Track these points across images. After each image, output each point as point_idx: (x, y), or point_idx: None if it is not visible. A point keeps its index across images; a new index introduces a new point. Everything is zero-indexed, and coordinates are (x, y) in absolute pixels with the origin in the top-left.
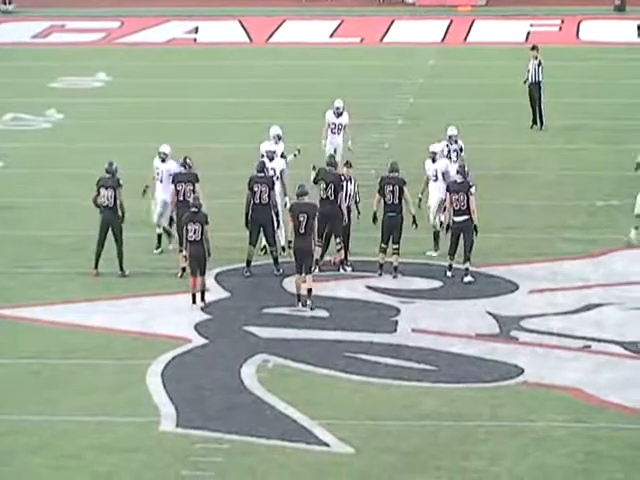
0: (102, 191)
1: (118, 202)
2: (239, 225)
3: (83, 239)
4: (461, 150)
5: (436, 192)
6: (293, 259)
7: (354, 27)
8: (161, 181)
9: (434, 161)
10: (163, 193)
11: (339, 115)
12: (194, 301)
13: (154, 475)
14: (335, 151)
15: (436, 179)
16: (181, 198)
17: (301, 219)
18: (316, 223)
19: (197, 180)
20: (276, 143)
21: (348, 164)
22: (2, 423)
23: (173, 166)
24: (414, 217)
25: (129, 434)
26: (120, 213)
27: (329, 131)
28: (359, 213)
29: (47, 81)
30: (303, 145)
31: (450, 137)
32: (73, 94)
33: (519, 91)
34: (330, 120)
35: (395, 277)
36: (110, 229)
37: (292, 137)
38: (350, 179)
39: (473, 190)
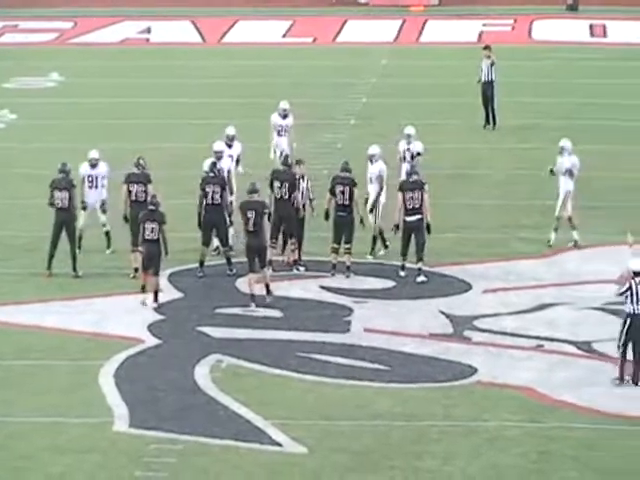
0: (56, 193)
1: (72, 203)
2: (192, 225)
3: (36, 240)
4: (418, 154)
5: (372, 195)
6: (246, 257)
7: (307, 27)
8: (96, 187)
9: (372, 163)
10: (96, 198)
11: (285, 117)
12: (144, 291)
13: (108, 476)
14: (281, 153)
15: (372, 181)
16: (133, 198)
17: (250, 216)
18: (266, 221)
19: (149, 181)
20: (230, 144)
21: (300, 162)
22: None
23: (104, 169)
24: (362, 218)
25: (83, 435)
26: (75, 214)
27: (275, 134)
28: (313, 210)
29: (0, 81)
30: (256, 145)
31: (407, 136)
32: (26, 94)
33: (472, 91)
34: (276, 122)
35: (348, 277)
36: (64, 230)
37: (245, 137)
38: (302, 177)
39: (427, 187)
